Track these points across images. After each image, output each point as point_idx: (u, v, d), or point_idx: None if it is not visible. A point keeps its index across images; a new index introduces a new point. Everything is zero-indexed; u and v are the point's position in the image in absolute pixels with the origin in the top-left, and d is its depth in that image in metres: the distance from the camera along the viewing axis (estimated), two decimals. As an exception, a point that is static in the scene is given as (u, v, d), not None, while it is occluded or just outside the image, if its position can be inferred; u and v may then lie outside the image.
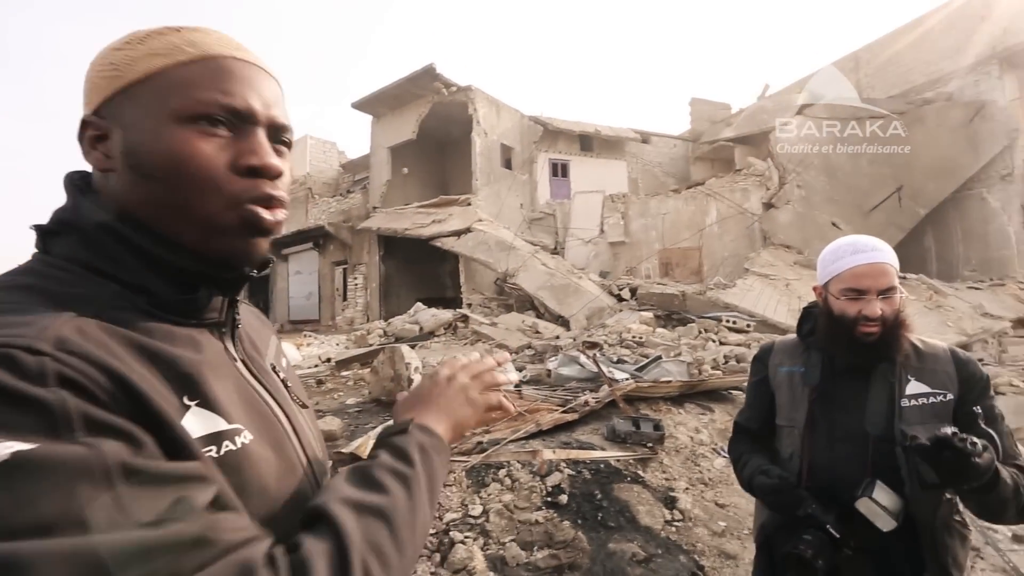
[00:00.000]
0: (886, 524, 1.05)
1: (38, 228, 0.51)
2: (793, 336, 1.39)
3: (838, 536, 1.07)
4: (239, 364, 0.58)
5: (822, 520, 1.09)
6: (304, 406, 0.65)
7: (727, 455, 3.62)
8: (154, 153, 0.49)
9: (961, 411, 1.14)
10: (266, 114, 0.54)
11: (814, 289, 1.31)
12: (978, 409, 1.13)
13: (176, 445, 0.42)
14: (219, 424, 0.48)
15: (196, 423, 0.46)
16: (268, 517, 0.48)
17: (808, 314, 1.36)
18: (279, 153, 0.57)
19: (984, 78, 12.72)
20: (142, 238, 0.50)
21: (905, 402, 1.16)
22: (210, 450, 0.46)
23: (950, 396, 1.16)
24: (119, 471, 0.36)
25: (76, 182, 0.53)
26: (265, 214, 0.53)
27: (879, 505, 1.04)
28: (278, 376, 0.64)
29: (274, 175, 0.54)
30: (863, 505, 1.06)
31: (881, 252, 1.18)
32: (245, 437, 0.50)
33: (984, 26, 12.72)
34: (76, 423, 0.36)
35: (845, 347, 1.20)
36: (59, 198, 0.54)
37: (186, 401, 0.46)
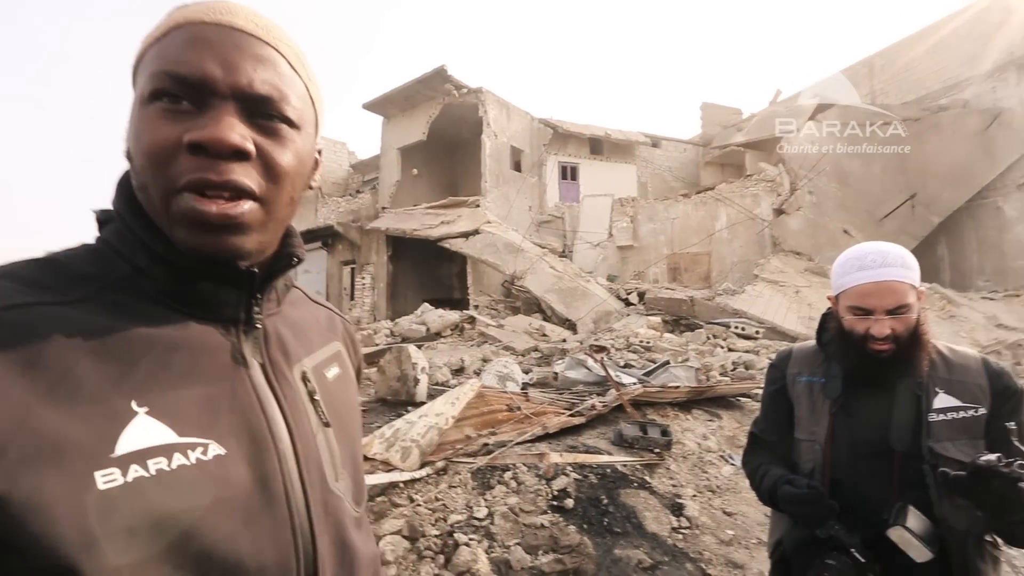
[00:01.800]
0: (920, 555, 0.98)
1: (95, 213, 0.53)
2: (812, 343, 1.32)
3: (863, 561, 1.01)
4: (251, 369, 0.52)
5: (847, 543, 1.03)
6: (327, 424, 0.58)
7: (738, 464, 3.58)
8: (129, 137, 0.48)
9: (993, 426, 1.07)
10: (229, 81, 0.46)
11: (828, 298, 1.26)
12: (1012, 424, 1.04)
13: None
14: (166, 437, 0.43)
15: (140, 432, 0.42)
16: (210, 540, 0.43)
17: (827, 321, 1.29)
18: (268, 131, 0.48)
19: (1001, 85, 12.57)
20: (138, 227, 0.48)
21: (933, 416, 1.09)
22: (160, 462, 0.42)
23: (982, 410, 1.09)
24: None
25: (125, 173, 0.52)
26: (200, 205, 0.45)
27: (913, 534, 0.98)
28: (306, 386, 0.57)
29: (224, 151, 0.45)
30: (896, 534, 0.99)
31: (890, 268, 1.09)
32: (205, 453, 0.45)
33: (1002, 32, 12.58)
34: None
35: (858, 363, 1.15)
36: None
37: (135, 407, 0.43)
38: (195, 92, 0.46)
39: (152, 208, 0.47)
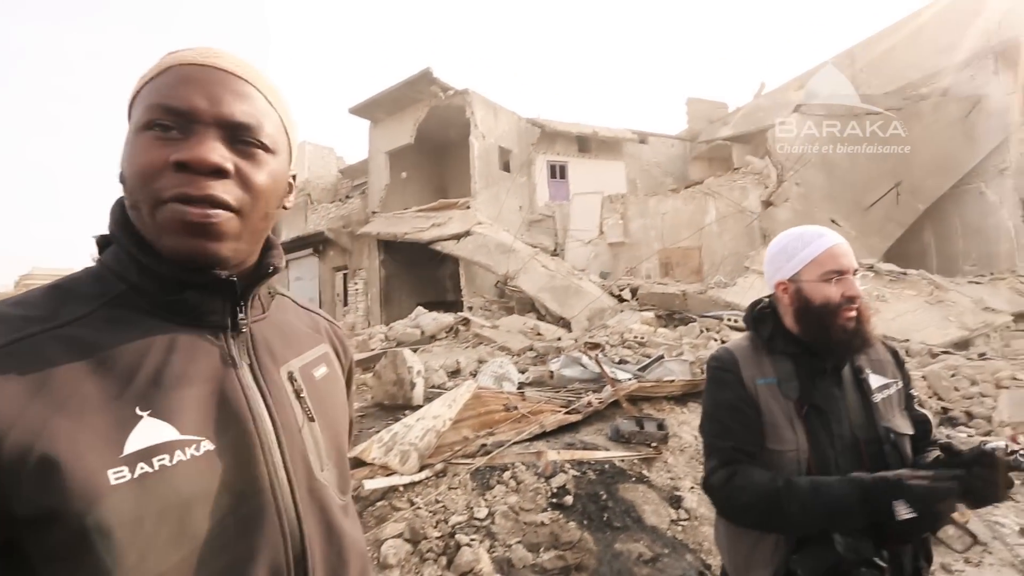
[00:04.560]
0: (904, 513, 0.99)
1: (96, 239, 0.60)
2: (744, 341, 1.20)
3: (885, 565, 0.97)
4: (240, 369, 0.58)
5: (866, 556, 0.97)
6: (311, 419, 0.63)
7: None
8: (124, 161, 0.54)
9: (905, 395, 1.16)
10: (212, 112, 0.53)
11: (777, 286, 1.16)
12: (914, 392, 1.17)
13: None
14: (169, 434, 0.50)
15: (145, 433, 0.48)
16: (200, 528, 0.50)
17: (764, 316, 1.19)
18: (246, 155, 0.55)
19: (980, 72, 12.74)
20: (129, 244, 0.55)
21: (876, 397, 1.10)
22: (163, 459, 0.48)
23: (900, 384, 1.15)
24: None
25: (119, 199, 0.58)
26: (186, 210, 0.51)
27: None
28: (292, 385, 0.63)
29: (205, 169, 0.52)
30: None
31: (830, 235, 1.14)
32: (198, 448, 0.51)
33: (979, 20, 12.79)
34: None
35: (833, 339, 1.07)
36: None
37: (138, 411, 0.49)
38: (183, 121, 0.53)
39: (142, 221, 0.54)
